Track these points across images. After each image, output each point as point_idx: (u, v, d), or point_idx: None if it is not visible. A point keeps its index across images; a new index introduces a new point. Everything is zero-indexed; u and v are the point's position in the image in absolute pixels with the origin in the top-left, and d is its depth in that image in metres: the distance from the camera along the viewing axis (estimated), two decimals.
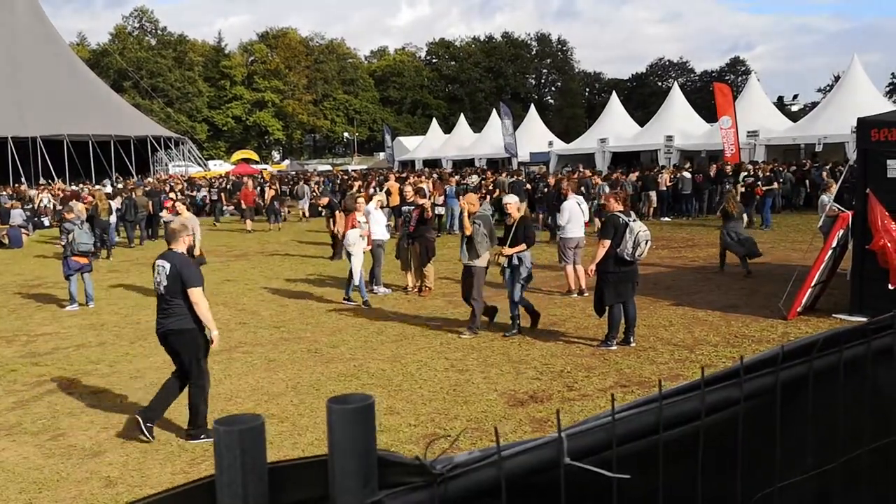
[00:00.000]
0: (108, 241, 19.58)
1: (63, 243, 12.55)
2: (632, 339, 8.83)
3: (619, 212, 8.76)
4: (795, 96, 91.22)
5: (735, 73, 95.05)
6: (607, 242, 8.54)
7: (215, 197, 31.28)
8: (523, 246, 9.40)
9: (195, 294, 6.34)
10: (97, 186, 32.54)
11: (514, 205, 9.76)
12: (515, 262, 9.44)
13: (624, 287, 8.64)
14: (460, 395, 7.30)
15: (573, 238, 11.98)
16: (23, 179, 43.32)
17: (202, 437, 6.37)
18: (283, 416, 6.92)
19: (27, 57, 53.24)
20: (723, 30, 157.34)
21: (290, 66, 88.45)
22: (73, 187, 37.13)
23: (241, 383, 8.01)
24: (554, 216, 19.95)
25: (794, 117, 44.91)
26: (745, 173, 21.82)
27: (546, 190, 21.09)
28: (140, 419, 6.39)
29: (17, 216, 22.99)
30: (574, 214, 12.07)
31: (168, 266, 6.39)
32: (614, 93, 46.13)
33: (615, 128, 38.78)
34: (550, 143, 42.17)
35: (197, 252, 11.62)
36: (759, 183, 19.27)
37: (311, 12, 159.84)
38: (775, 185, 19.56)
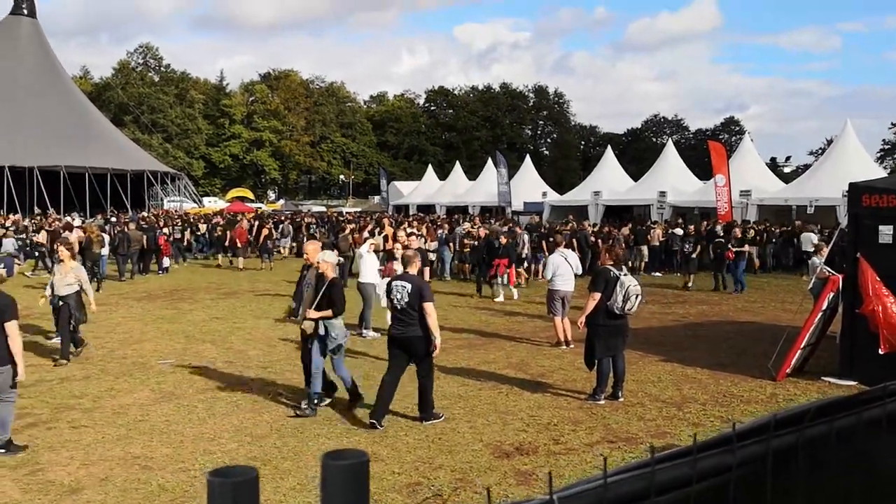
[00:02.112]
0: (99, 274, 19.49)
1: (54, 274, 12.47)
2: (620, 394, 8.79)
3: (611, 265, 8.80)
4: (788, 158, 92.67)
5: (729, 133, 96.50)
6: (597, 295, 8.58)
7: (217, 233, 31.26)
8: (329, 312, 8.06)
9: (429, 307, 7.80)
10: (66, 218, 32.47)
11: (327, 263, 8.36)
12: (321, 331, 8.12)
13: (613, 341, 8.64)
14: (445, 444, 7.23)
15: (560, 290, 12.01)
16: (17, 209, 43.25)
17: (433, 419, 7.96)
18: (266, 459, 6.82)
19: (28, 87, 53.58)
20: (717, 90, 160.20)
21: (290, 108, 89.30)
22: (67, 218, 37.09)
23: (224, 423, 7.92)
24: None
25: (787, 178, 45.50)
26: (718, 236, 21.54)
27: (544, 241, 21.09)
28: (373, 421, 7.75)
29: (10, 245, 22.89)
30: (560, 268, 12.11)
31: (409, 285, 7.87)
32: (609, 146, 46.62)
33: (609, 181, 39.13)
34: (544, 194, 42.45)
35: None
36: (730, 245, 19.14)
37: (313, 56, 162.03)
38: (746, 246, 19.49)
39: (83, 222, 29.34)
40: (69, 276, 11.02)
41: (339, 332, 8.25)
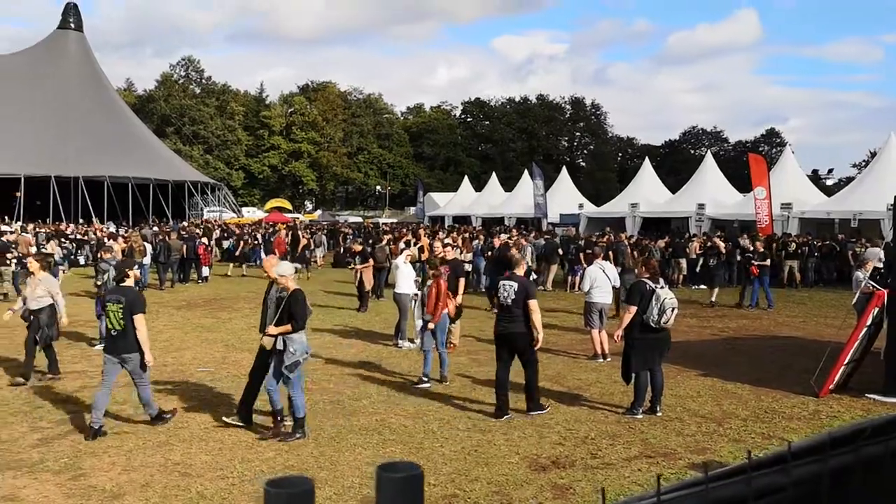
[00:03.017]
0: (141, 283, 19.78)
1: (98, 282, 12.74)
2: (658, 409, 8.69)
3: (647, 278, 8.73)
4: (830, 170, 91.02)
5: (770, 145, 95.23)
6: (633, 308, 8.51)
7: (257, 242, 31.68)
8: (289, 327, 7.66)
9: (533, 304, 8.50)
10: (101, 225, 33.18)
11: (287, 277, 7.99)
12: (279, 345, 7.72)
13: (651, 354, 8.56)
14: (481, 457, 7.21)
15: (597, 303, 11.92)
16: (62, 218, 44.22)
17: (538, 410, 8.54)
18: (303, 468, 6.86)
19: (75, 99, 54.88)
20: (757, 102, 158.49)
21: (328, 119, 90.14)
22: (111, 228, 37.84)
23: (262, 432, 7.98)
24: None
25: (829, 191, 44.72)
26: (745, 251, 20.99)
27: (582, 253, 20.91)
28: (535, 411, 8.53)
29: (55, 253, 23.37)
30: (597, 280, 12.03)
31: (515, 285, 8.55)
32: (647, 158, 46.29)
33: (647, 193, 38.85)
34: (581, 206, 42.28)
35: (63, 321, 10.55)
36: (754, 261, 18.70)
37: (352, 68, 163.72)
38: (768, 261, 19.04)
39: (126, 231, 29.86)
40: (38, 289, 10.22)
41: (297, 348, 7.68)
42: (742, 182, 38.40)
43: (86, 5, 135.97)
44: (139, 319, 7.98)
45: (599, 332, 11.86)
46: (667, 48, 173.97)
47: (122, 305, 7.95)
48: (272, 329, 7.73)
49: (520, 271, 8.93)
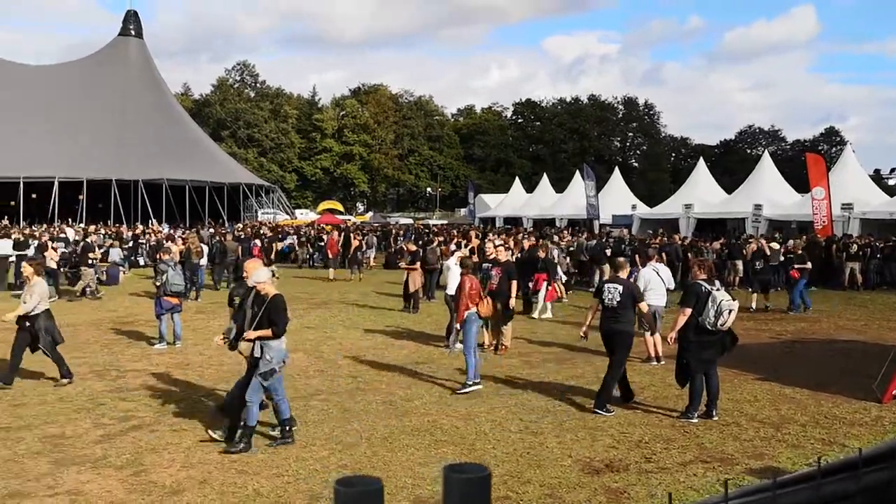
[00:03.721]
0: (198, 283, 20.23)
1: (157, 283, 13.05)
2: (714, 413, 8.54)
3: (702, 280, 8.60)
4: (893, 170, 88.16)
5: (829, 144, 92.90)
6: (688, 311, 8.38)
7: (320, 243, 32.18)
8: (268, 332, 7.52)
9: (643, 306, 9.10)
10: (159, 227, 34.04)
11: (264, 284, 7.81)
12: (257, 352, 7.57)
13: (706, 357, 8.42)
14: (534, 459, 7.18)
15: (651, 305, 11.75)
16: (122, 220, 45.43)
17: (603, 411, 8.67)
18: (356, 468, 6.92)
19: (135, 105, 56.36)
20: (815, 99, 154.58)
21: (379, 121, 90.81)
22: (168, 229, 38.74)
23: (316, 431, 8.08)
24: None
25: (892, 191, 43.38)
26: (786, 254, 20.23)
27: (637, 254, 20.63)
28: (600, 409, 8.70)
29: (115, 254, 24.04)
30: (651, 282, 11.87)
31: (621, 287, 8.96)
32: (701, 158, 45.52)
33: (701, 194, 38.19)
34: (633, 207, 41.77)
35: (8, 316, 10.30)
36: (795, 264, 18.06)
37: (402, 71, 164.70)
38: (808, 264, 18.39)
39: (183, 233, 30.52)
40: (31, 294, 10.11)
41: (274, 355, 7.53)
42: (800, 182, 37.46)
43: (145, 12, 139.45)
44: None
45: (653, 334, 11.71)
46: (721, 46, 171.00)
47: (241, 298, 8.48)
48: (250, 334, 7.56)
49: (623, 274, 9.38)
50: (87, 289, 19.89)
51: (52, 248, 20.08)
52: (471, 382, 9.80)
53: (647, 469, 6.93)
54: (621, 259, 9.86)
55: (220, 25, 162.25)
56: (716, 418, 8.47)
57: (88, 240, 23.71)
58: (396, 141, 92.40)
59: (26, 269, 10.64)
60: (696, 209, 35.97)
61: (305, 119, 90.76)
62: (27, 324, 10.06)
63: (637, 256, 20.29)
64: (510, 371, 11.11)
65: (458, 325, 10.19)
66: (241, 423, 7.51)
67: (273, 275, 8.79)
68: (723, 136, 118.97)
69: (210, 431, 7.81)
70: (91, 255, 20.50)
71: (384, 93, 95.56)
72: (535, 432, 8.03)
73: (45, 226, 39.11)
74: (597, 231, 33.75)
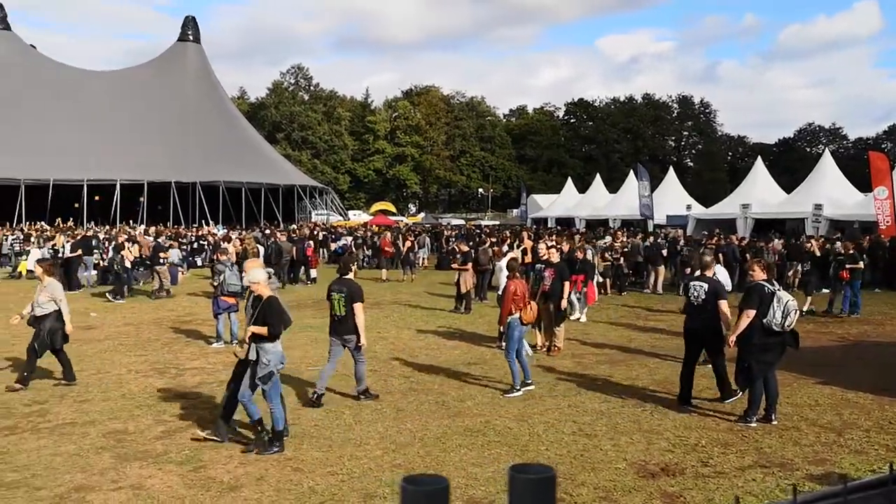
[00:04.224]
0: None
1: (214, 283, 13.31)
2: (773, 417, 8.36)
3: (764, 280, 8.42)
4: None
5: (892, 142, 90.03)
6: (752, 312, 8.20)
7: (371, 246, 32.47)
8: (262, 330, 7.40)
9: (724, 305, 8.95)
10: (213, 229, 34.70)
11: (260, 285, 7.71)
12: (252, 355, 7.46)
13: (768, 360, 8.25)
14: (588, 462, 7.13)
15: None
16: (181, 221, 46.46)
17: (733, 396, 9.10)
18: (410, 467, 6.96)
19: (193, 108, 57.62)
20: (878, 97, 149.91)
21: (431, 123, 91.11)
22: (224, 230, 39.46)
23: (370, 430, 8.15)
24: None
25: None
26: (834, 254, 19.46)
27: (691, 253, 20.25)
28: (729, 398, 9.11)
29: (175, 255, 24.58)
30: None
31: (706, 285, 9.08)
32: (759, 157, 44.56)
33: (759, 193, 37.39)
34: (689, 207, 41.12)
35: (69, 328, 10.28)
36: (847, 264, 17.28)
37: (454, 72, 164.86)
38: (861, 264, 17.63)
39: (239, 234, 31.05)
40: (42, 295, 10.11)
41: (271, 358, 7.42)
42: (863, 181, 36.39)
43: (203, 18, 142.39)
44: (358, 307, 9.11)
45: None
46: (779, 43, 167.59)
47: (344, 294, 9.13)
48: (248, 330, 7.50)
49: (709, 273, 9.47)
50: (160, 287, 20.49)
51: (129, 249, 20.72)
52: (517, 388, 9.68)
53: (704, 473, 6.82)
54: (708, 257, 9.90)
55: (275, 29, 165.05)
56: (775, 423, 8.29)
57: (160, 240, 24.41)
58: (448, 142, 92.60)
59: (38, 269, 10.73)
60: (753, 209, 35.23)
61: (358, 121, 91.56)
62: (39, 325, 10.07)
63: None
64: (563, 372, 11.04)
65: (501, 328, 10.07)
66: (269, 429, 7.51)
67: (270, 277, 8.68)
68: (781, 134, 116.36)
69: (200, 431, 7.85)
70: (162, 254, 21.16)
71: (436, 94, 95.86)
72: (588, 434, 7.96)
73: (122, 226, 40.38)
74: (650, 231, 33.30)
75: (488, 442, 7.75)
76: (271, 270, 9.47)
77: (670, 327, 15.38)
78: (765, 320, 8.09)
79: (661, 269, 22.17)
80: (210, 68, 65.39)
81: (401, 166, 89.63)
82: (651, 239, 25.54)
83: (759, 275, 8.58)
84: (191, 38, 64.53)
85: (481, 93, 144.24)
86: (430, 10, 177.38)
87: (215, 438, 7.66)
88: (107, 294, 20.01)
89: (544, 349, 12.59)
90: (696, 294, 9.13)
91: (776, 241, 26.03)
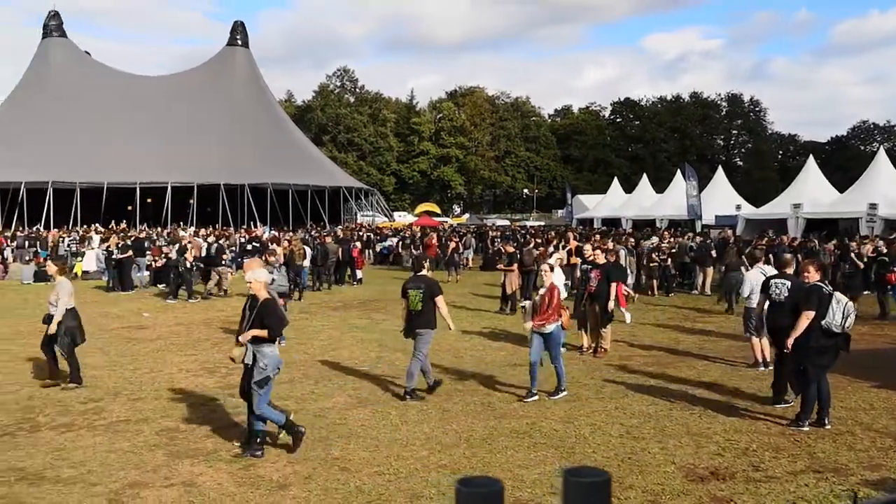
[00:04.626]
0: (301, 284, 20.82)
1: None
2: (826, 421, 8.17)
3: (820, 282, 8.26)
4: None
5: None
6: (811, 314, 8.03)
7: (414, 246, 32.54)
8: (262, 332, 7.26)
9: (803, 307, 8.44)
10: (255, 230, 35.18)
11: (258, 282, 7.56)
12: (248, 359, 7.35)
13: (824, 362, 8.08)
14: (636, 464, 7.06)
15: (758, 309, 11.34)
16: (230, 223, 47.22)
17: (784, 405, 8.96)
18: (456, 468, 6.98)
19: (242, 112, 58.50)
20: None
21: (476, 124, 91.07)
22: (274, 232, 39.99)
23: (416, 431, 8.19)
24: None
25: None
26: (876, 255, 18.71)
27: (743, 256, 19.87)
28: (785, 398, 8.99)
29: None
30: (758, 284, 11.43)
31: (788, 283, 9.23)
32: (811, 156, 43.60)
33: (811, 193, 36.59)
34: (738, 207, 40.43)
35: (51, 328, 10.13)
36: (894, 267, 16.61)
37: (498, 72, 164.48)
38: None
39: (287, 236, 31.44)
40: (53, 295, 10.22)
41: (268, 362, 7.30)
42: None
43: (250, 23, 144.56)
44: (440, 300, 9.57)
45: (761, 339, 11.30)
46: (831, 39, 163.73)
47: (422, 290, 9.50)
48: (243, 337, 7.35)
49: (790, 270, 9.62)
50: (220, 288, 21.18)
51: (191, 250, 21.24)
52: (562, 388, 9.66)
53: (755, 478, 6.70)
54: (787, 255, 10.11)
55: (321, 33, 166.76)
56: (828, 427, 8.11)
57: (220, 242, 24.89)
58: (493, 142, 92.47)
59: (51, 267, 10.80)
60: (805, 209, 34.50)
61: (403, 123, 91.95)
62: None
63: (743, 258, 19.65)
64: (610, 375, 10.95)
65: (528, 326, 9.81)
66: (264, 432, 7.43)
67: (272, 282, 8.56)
68: (834, 132, 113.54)
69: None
70: (224, 256, 21.64)
71: (480, 95, 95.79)
72: (636, 437, 7.89)
73: (175, 228, 41.29)
74: (699, 231, 32.82)
75: (534, 444, 7.73)
76: (274, 275, 9.35)
77: (719, 329, 15.15)
78: (823, 322, 7.93)
79: (710, 269, 21.83)
80: (258, 72, 66.33)
81: (445, 167, 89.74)
82: (699, 239, 25.18)
83: (813, 276, 8.40)
84: (239, 42, 65.54)
85: (526, 93, 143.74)
86: (474, 11, 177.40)
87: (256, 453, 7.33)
88: (169, 295, 20.48)
89: (590, 351, 12.50)
90: (777, 291, 9.26)
91: (827, 242, 25.42)
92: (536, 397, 9.45)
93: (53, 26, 61.20)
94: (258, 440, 7.40)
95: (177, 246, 22.25)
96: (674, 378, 10.75)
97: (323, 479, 6.71)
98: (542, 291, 9.75)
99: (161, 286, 22.99)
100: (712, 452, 7.40)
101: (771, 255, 18.92)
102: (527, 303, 10.01)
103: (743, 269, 15.53)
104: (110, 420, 8.69)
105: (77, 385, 10.15)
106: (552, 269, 10.22)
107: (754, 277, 11.57)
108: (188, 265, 20.45)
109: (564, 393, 9.60)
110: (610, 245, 18.67)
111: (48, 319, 10.22)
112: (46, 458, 7.35)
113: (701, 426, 8.30)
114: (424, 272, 9.90)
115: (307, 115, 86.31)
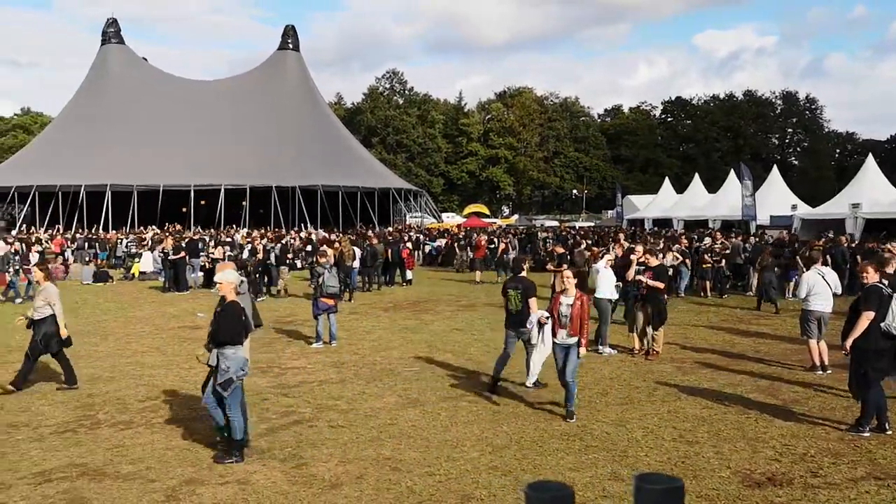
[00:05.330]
0: (351, 285, 20.99)
1: (313, 285, 13.65)
2: (888, 426, 7.94)
3: (881, 283, 8.03)
4: None
5: None
6: (871, 314, 7.82)
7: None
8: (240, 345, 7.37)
9: (866, 313, 7.96)
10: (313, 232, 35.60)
11: (227, 284, 7.65)
12: (212, 361, 7.37)
13: (883, 366, 7.85)
14: (689, 469, 6.95)
15: (816, 311, 11.08)
16: (281, 225, 47.87)
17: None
18: (506, 470, 6.96)
19: (293, 115, 59.29)
20: None
21: (524, 124, 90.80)
22: (322, 233, 40.41)
23: (466, 431, 8.19)
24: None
25: None
26: None
27: (799, 257, 19.43)
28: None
29: (274, 258, 25.31)
30: (816, 286, 11.17)
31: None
32: (870, 154, 42.37)
33: (870, 192, 35.55)
34: (794, 207, 39.51)
35: (63, 332, 10.23)
36: None
37: (546, 73, 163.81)
38: None
39: (337, 237, 31.73)
40: (39, 298, 10.23)
41: (231, 364, 7.24)
42: None
43: (300, 27, 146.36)
44: (533, 301, 9.69)
45: (818, 342, 11.04)
46: (891, 35, 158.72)
47: (520, 291, 9.68)
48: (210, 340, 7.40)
49: (890, 269, 9.52)
50: (281, 287, 21.77)
51: (261, 252, 21.91)
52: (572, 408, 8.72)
53: (814, 484, 6.54)
54: (889, 253, 9.68)
55: (370, 35, 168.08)
56: (890, 432, 7.88)
57: (284, 242, 25.34)
58: (542, 143, 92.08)
59: (37, 273, 10.76)
60: (864, 209, 33.56)
61: (452, 124, 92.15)
62: (34, 327, 10.14)
63: (799, 259, 19.22)
64: (662, 377, 10.80)
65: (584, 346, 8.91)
66: (231, 438, 7.36)
67: (242, 282, 8.44)
68: (894, 130, 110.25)
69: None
70: (289, 255, 22.06)
71: (529, 95, 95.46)
72: (690, 441, 7.77)
73: (228, 229, 42.14)
74: (753, 233, 32.18)
75: (585, 447, 7.67)
76: (243, 278, 9.11)
77: (775, 332, 14.83)
78: (883, 324, 7.71)
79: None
80: (309, 75, 67.11)
81: (494, 168, 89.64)
82: (753, 240, 24.69)
83: (872, 276, 8.19)
84: (290, 46, 66.39)
85: (575, 93, 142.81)
86: (521, 12, 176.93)
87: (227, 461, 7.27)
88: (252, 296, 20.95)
89: (642, 353, 12.35)
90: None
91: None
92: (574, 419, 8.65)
93: (112, 33, 62.84)
94: (236, 447, 7.31)
95: (248, 247, 22.72)
96: (728, 381, 10.55)
97: (374, 479, 6.75)
98: (564, 300, 8.96)
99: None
100: (769, 457, 7.25)
101: (829, 257, 18.51)
102: (541, 313, 9.08)
103: (787, 268, 15.13)
104: (167, 418, 8.89)
105: (72, 386, 10.20)
106: (583, 272, 10.08)
107: (811, 279, 11.32)
108: (258, 266, 20.99)
109: (573, 420, 8.59)
110: (659, 245, 18.40)
111: (32, 324, 10.18)
112: (106, 455, 7.55)
113: (757, 430, 8.14)
114: (523, 273, 10.11)
115: (357, 117, 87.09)
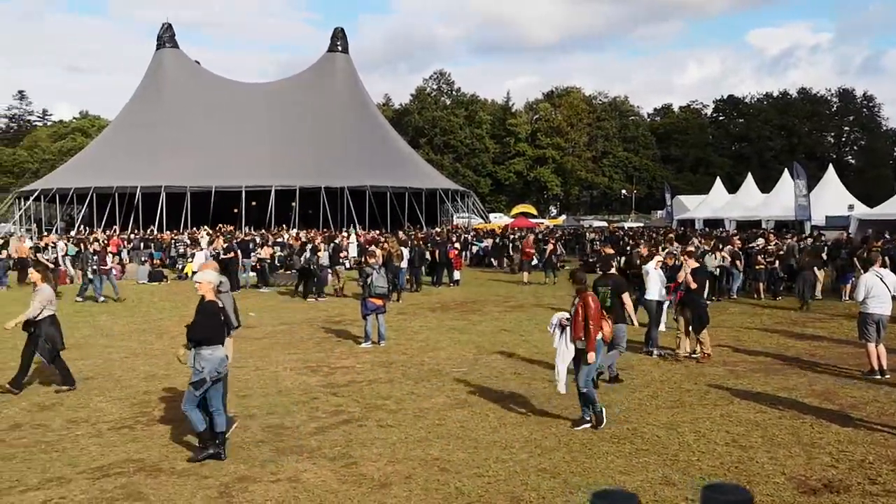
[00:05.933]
0: (398, 286, 21.09)
1: (362, 285, 13.75)
2: None
3: None
4: None
5: None
6: None
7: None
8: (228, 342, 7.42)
9: None
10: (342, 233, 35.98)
11: (206, 284, 7.63)
12: (189, 361, 7.37)
13: None
14: (743, 474, 6.83)
15: (874, 314, 10.78)
16: (330, 225, 48.33)
17: None
18: (555, 472, 6.93)
19: (342, 116, 59.79)
20: None
21: (572, 124, 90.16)
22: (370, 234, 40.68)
23: (514, 433, 8.17)
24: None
25: None
26: None
27: (856, 258, 18.93)
28: None
29: (324, 258, 25.57)
30: (874, 288, 10.87)
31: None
32: None
33: None
34: (851, 207, 38.50)
35: (8, 325, 10.30)
36: None
37: (595, 72, 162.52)
38: None
39: (384, 238, 31.91)
40: (35, 300, 10.21)
41: (205, 365, 7.27)
42: None
43: (348, 29, 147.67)
44: (626, 297, 10.42)
45: (877, 345, 10.75)
46: None
47: (610, 288, 10.16)
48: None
49: None
50: (337, 286, 22.21)
51: (322, 251, 22.28)
52: (587, 417, 8.39)
53: (872, 492, 6.38)
54: None
55: (419, 37, 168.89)
56: None
57: (337, 241, 25.65)
58: (590, 143, 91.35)
59: (33, 274, 10.78)
60: None
61: (499, 124, 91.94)
62: (32, 329, 10.19)
63: (856, 260, 18.74)
64: (715, 381, 10.63)
65: (592, 358, 8.25)
66: (216, 432, 7.42)
67: (221, 282, 8.26)
68: None
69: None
70: (342, 255, 22.31)
71: (577, 95, 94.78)
72: (743, 446, 7.63)
73: (293, 230, 42.78)
74: (808, 234, 31.45)
75: (636, 450, 7.59)
76: (224, 278, 9.05)
77: (831, 335, 14.48)
78: None
79: (820, 272, 20.88)
80: (357, 77, 67.61)
81: (542, 168, 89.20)
82: (809, 241, 24.14)
83: None
84: (339, 48, 66.96)
85: (624, 92, 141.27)
86: (569, 11, 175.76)
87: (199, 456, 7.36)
88: (308, 297, 21.33)
89: (692, 356, 12.17)
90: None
91: None
92: (587, 425, 8.32)
93: (166, 38, 64.20)
94: (219, 442, 7.40)
95: (310, 246, 23.04)
96: (783, 385, 10.34)
97: (423, 479, 6.78)
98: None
99: (268, 289, 23.83)
100: (825, 464, 7.09)
101: (887, 258, 17.99)
102: (562, 315, 8.73)
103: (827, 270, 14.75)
104: None
105: (70, 388, 10.28)
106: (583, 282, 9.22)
107: (869, 281, 11.03)
108: (319, 264, 21.30)
109: (587, 424, 8.31)
110: (691, 248, 17.90)
111: (27, 326, 10.22)
112: (162, 451, 7.71)
113: (812, 436, 7.96)
114: (613, 270, 10.65)
115: (404, 118, 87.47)
